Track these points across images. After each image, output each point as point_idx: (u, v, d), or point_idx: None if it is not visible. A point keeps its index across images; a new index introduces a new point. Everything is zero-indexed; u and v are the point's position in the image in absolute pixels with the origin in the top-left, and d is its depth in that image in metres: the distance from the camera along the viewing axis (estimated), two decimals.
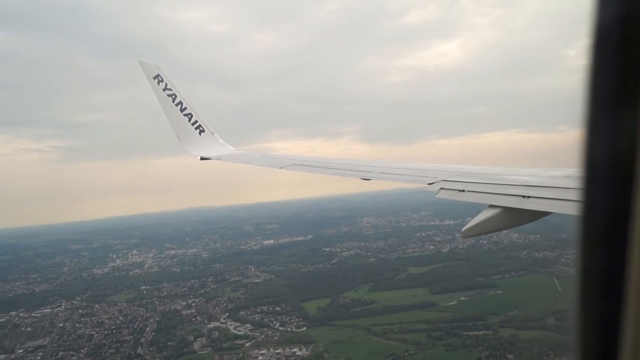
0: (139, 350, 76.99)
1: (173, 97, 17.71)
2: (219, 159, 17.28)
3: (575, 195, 7.35)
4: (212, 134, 18.32)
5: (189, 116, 17.88)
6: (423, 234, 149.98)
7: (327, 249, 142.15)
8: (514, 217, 8.48)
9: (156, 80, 17.54)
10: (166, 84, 17.62)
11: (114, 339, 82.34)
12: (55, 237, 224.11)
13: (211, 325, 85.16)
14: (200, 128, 18.05)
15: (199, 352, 74.90)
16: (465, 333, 71.98)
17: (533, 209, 8.11)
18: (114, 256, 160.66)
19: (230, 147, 18.41)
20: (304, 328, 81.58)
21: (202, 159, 17.40)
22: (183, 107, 17.82)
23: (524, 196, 8.38)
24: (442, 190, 9.87)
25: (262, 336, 79.13)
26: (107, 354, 76.56)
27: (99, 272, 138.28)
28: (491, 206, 8.59)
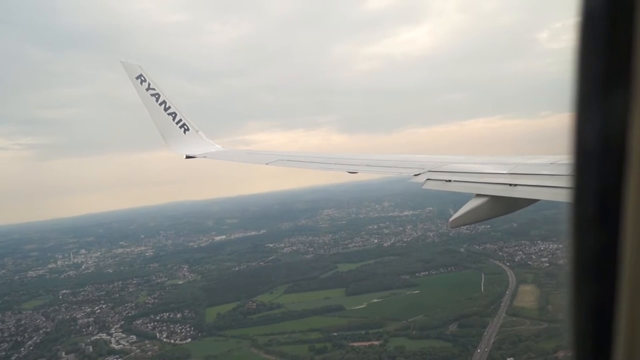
0: None
1: (156, 96, 17.15)
2: (205, 157, 16.90)
3: (561, 182, 7.33)
4: (197, 132, 17.94)
5: (173, 115, 17.45)
6: (375, 227, 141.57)
7: (271, 245, 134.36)
8: (501, 205, 8.31)
9: (139, 80, 16.88)
10: (149, 84, 16.99)
11: None
12: (19, 237, 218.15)
13: (94, 338, 77.51)
14: (185, 127, 17.63)
15: None
16: (351, 344, 63.73)
17: (520, 196, 8.00)
18: (60, 256, 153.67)
19: (216, 145, 18.04)
20: (189, 340, 73.65)
21: (187, 157, 16.94)
22: (167, 106, 17.33)
23: (510, 184, 8.14)
24: (429, 181, 9.55)
25: (138, 350, 71.30)
26: None
27: (33, 274, 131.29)
28: (478, 195, 8.35)
